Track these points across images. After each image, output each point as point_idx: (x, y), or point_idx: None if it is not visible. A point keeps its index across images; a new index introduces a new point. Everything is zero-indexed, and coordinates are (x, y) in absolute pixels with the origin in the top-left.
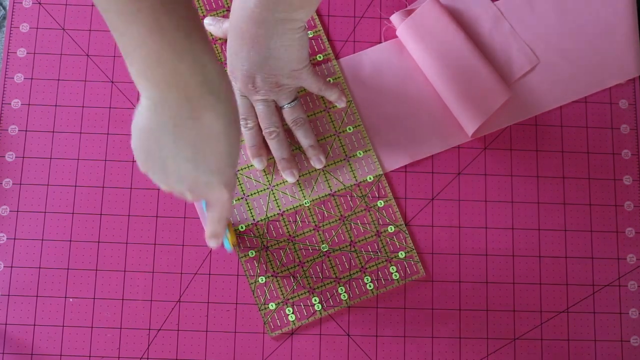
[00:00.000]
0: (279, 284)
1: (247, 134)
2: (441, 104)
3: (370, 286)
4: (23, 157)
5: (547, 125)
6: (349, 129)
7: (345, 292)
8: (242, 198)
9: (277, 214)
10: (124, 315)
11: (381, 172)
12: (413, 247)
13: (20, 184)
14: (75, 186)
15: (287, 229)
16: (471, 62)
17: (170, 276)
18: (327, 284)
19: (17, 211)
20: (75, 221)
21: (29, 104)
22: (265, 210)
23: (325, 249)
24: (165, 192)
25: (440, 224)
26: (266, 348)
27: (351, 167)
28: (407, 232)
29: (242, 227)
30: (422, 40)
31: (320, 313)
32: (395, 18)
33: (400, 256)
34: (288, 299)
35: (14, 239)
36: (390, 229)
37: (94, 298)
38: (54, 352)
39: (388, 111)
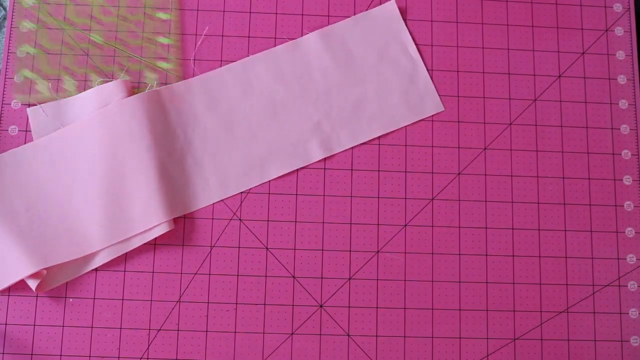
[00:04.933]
0: (47, 60)
1: None
2: None
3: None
4: None
5: (547, 126)
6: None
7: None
8: None
9: None
10: (124, 315)
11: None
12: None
13: None
14: None
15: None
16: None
17: (170, 276)
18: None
19: None
20: None
21: (29, 104)
22: None
23: (99, 41)
24: None
25: (440, 224)
26: (266, 348)
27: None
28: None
29: None
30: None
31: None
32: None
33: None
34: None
35: None
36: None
37: (94, 298)
38: (54, 352)
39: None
